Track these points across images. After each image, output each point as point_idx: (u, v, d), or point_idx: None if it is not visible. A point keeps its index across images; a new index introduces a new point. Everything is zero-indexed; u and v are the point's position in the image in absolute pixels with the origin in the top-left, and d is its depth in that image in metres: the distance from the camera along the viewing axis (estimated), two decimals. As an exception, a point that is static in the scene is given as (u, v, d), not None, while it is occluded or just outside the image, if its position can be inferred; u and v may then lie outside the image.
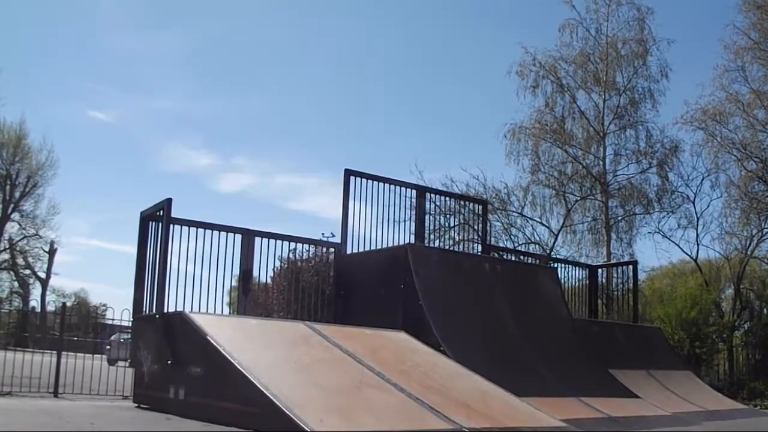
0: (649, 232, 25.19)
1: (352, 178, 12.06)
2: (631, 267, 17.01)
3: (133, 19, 67.61)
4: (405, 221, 13.22)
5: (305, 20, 69.41)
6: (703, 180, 24.66)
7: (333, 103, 73.29)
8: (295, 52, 70.31)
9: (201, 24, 67.96)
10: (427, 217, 13.67)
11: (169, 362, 8.65)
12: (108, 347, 24.38)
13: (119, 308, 17.18)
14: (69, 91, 67.35)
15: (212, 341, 7.47)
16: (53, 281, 49.33)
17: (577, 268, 16.81)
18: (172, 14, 69.33)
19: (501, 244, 22.30)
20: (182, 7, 68.69)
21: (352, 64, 70.04)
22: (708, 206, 24.97)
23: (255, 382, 6.46)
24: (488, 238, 15.87)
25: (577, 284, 16.38)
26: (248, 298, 11.09)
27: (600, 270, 17.21)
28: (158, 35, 67.66)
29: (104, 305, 41.97)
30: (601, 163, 25.28)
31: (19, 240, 44.63)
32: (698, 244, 24.91)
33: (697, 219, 24.81)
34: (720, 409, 12.45)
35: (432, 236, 14.46)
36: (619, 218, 25.40)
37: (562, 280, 14.84)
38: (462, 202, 15.61)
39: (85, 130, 67.59)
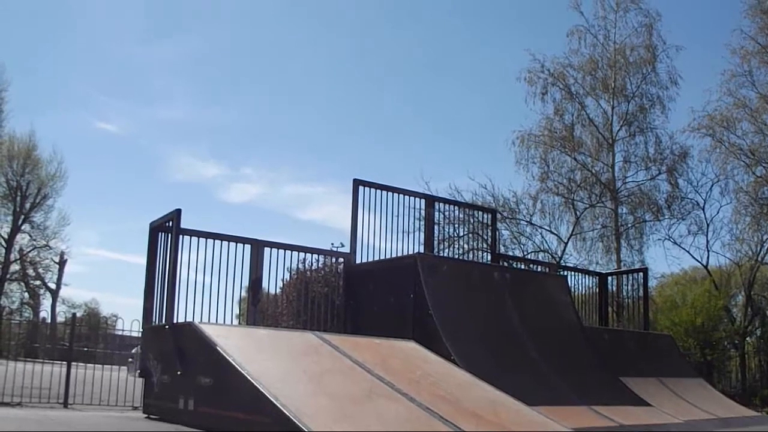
0: (659, 239, 25.16)
1: (360, 187, 12.05)
2: (641, 274, 16.93)
3: (136, 30, 68.02)
4: (414, 231, 13.21)
5: (312, 29, 69.69)
6: (712, 186, 24.63)
7: (340, 112, 73.46)
8: (302, 61, 70.49)
9: (204, 33, 68.23)
10: (436, 226, 13.65)
11: (178, 372, 8.65)
12: (130, 360, 24.27)
13: (129, 318, 17.18)
14: (75, 103, 67.67)
15: (222, 351, 7.46)
16: (63, 292, 49.40)
17: (587, 275, 16.75)
18: (174, 23, 69.75)
19: (510, 253, 22.27)
20: (184, 16, 69.07)
21: (359, 73, 70.21)
22: (718, 212, 24.92)
23: (264, 392, 6.45)
24: (497, 246, 15.84)
25: (587, 292, 16.31)
26: (257, 308, 11.08)
27: (610, 278, 17.14)
28: (162, 45, 67.99)
29: (115, 315, 42.09)
30: (609, 170, 25.24)
31: (30, 251, 44.76)
32: (708, 251, 24.86)
33: (707, 225, 24.76)
34: (733, 417, 12.36)
35: (441, 245, 14.42)
36: (629, 225, 25.34)
37: (572, 288, 14.77)
38: (471, 212, 15.59)
39: (93, 141, 67.87)
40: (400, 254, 12.21)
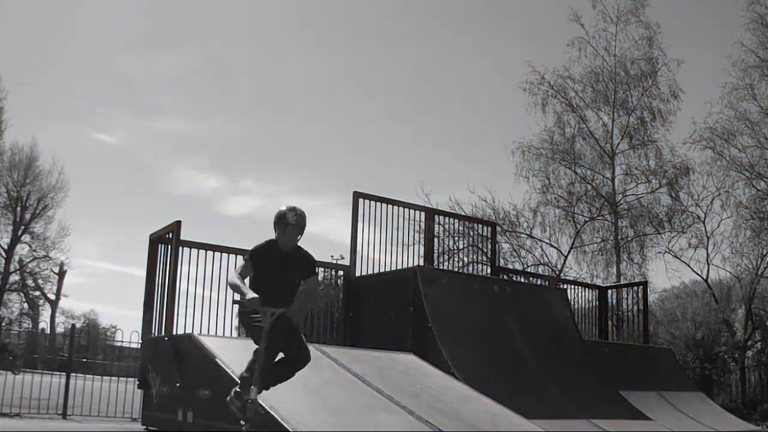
0: (660, 252, 25.09)
1: (360, 200, 12.05)
2: (641, 288, 16.89)
3: (135, 42, 68.36)
4: (414, 244, 13.20)
5: (312, 43, 69.95)
6: (713, 200, 24.58)
7: (340, 124, 73.70)
8: (302, 74, 70.75)
9: (203, 46, 68.69)
10: (436, 239, 13.64)
11: (177, 384, 8.64)
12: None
13: (128, 330, 17.13)
14: (74, 114, 67.86)
15: (221, 363, 7.46)
16: (63, 303, 49.42)
17: (587, 289, 16.71)
18: (174, 36, 70.11)
19: (510, 266, 22.22)
20: (184, 29, 69.45)
21: (359, 86, 70.46)
22: (718, 226, 24.84)
23: (264, 405, 6.43)
24: (497, 259, 15.83)
25: (587, 305, 16.28)
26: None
27: (610, 291, 17.12)
28: (161, 57, 68.37)
29: (114, 327, 42.04)
30: (610, 183, 25.23)
31: (29, 262, 44.64)
32: (709, 264, 24.80)
33: (708, 239, 24.70)
34: (732, 431, 12.33)
35: (441, 258, 14.41)
36: (630, 239, 25.29)
37: (572, 302, 14.76)
38: (471, 224, 15.60)
39: (92, 152, 68.03)
40: (399, 267, 12.20)
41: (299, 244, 6.26)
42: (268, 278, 6.06)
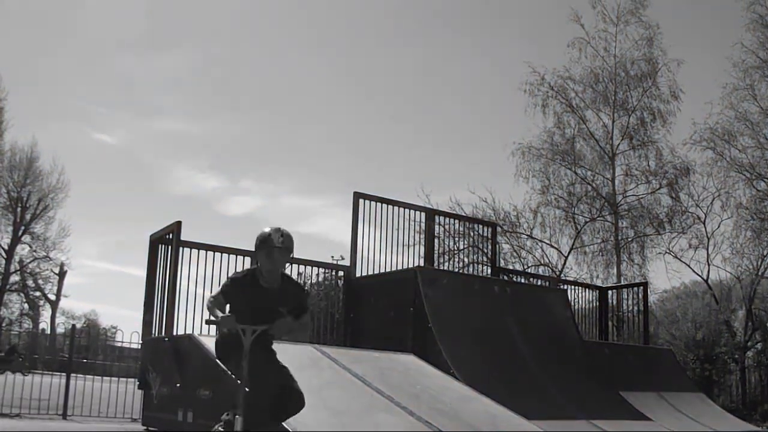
0: (660, 253, 25.08)
1: (361, 200, 12.04)
2: (641, 288, 16.87)
3: (135, 42, 68.43)
4: (414, 244, 13.19)
5: (310, 41, 70.00)
6: (713, 200, 24.58)
7: (340, 123, 73.76)
8: (300, 74, 70.78)
9: (203, 46, 68.76)
10: (436, 239, 13.63)
11: (177, 385, 8.63)
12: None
13: (128, 330, 17.13)
14: (73, 114, 67.91)
15: (221, 364, 7.44)
16: (63, 303, 49.47)
17: (587, 289, 16.70)
18: (174, 36, 70.17)
19: (510, 266, 22.22)
20: (185, 29, 69.53)
21: (359, 86, 70.50)
22: (719, 226, 24.83)
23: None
24: (498, 260, 15.82)
25: (587, 306, 16.26)
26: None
27: (610, 291, 17.10)
28: (161, 57, 68.42)
29: (114, 327, 42.05)
30: (610, 183, 25.21)
31: (30, 262, 44.66)
32: (709, 265, 24.79)
33: (708, 239, 24.70)
34: (732, 432, 12.34)
35: (441, 259, 14.38)
36: (630, 239, 25.27)
37: (572, 302, 14.75)
38: (471, 225, 15.59)
39: (92, 152, 68.09)
40: (400, 267, 12.20)
41: (286, 272, 5.49)
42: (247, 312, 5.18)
